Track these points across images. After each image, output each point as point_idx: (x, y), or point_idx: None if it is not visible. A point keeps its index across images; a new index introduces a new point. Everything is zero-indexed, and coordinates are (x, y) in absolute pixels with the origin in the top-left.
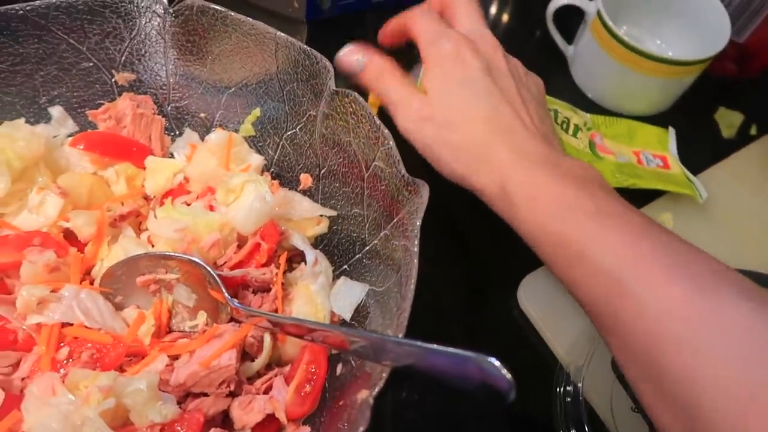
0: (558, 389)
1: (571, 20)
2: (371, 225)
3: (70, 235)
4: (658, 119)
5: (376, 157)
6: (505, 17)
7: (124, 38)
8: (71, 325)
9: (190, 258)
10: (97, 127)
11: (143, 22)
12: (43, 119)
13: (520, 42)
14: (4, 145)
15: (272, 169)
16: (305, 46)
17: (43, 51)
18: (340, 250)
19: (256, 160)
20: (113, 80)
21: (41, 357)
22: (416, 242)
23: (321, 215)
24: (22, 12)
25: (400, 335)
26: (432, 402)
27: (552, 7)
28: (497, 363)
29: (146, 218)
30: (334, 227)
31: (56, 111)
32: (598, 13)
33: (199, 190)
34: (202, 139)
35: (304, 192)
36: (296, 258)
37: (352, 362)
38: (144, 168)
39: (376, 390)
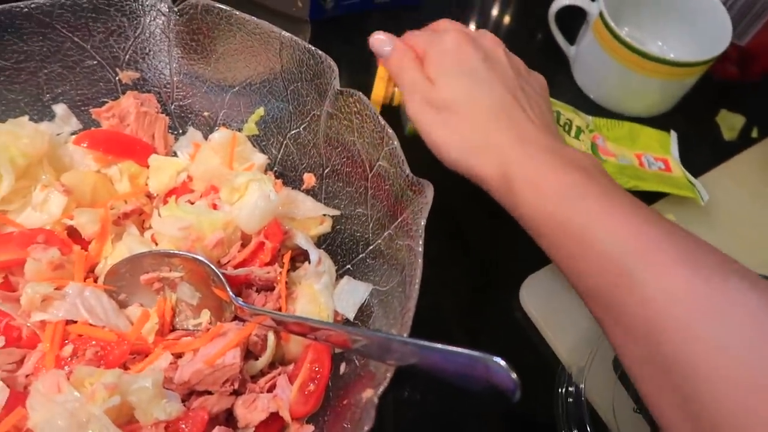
0: (560, 390)
1: (573, 21)
2: (375, 225)
3: (73, 233)
4: (659, 121)
5: (380, 156)
6: (506, 19)
7: (129, 36)
8: (75, 322)
9: (194, 256)
10: (100, 125)
11: (148, 21)
12: (47, 117)
13: (522, 43)
14: (8, 142)
15: (275, 169)
16: (310, 46)
17: (48, 49)
18: (344, 250)
19: (260, 159)
20: (117, 78)
21: (46, 354)
22: (420, 242)
23: (324, 215)
24: (26, 10)
25: (405, 335)
26: (433, 401)
27: (554, 8)
28: (503, 363)
29: (150, 216)
30: (338, 227)
31: (60, 109)
32: (601, 14)
33: (202, 188)
34: (206, 137)
35: (307, 191)
36: (299, 257)
37: (356, 361)
38: (147, 166)
39: (381, 389)
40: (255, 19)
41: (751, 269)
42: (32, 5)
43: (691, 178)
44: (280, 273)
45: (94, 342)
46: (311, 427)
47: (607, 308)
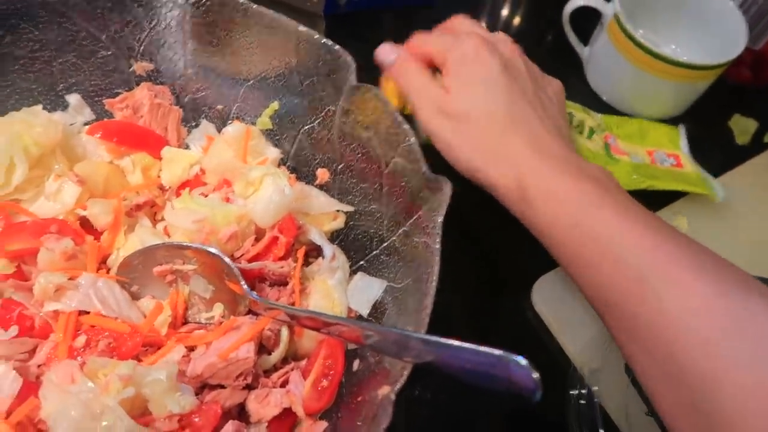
0: (571, 391)
1: (586, 22)
2: (390, 221)
3: (86, 224)
4: (672, 123)
5: (397, 153)
6: (517, 19)
7: (144, 27)
8: (88, 313)
9: (208, 249)
10: (113, 116)
11: (164, 12)
12: (60, 107)
13: (532, 44)
14: (21, 131)
15: (289, 163)
16: (327, 41)
17: (63, 38)
18: (357, 246)
19: (273, 153)
20: (131, 69)
21: (58, 344)
22: (438, 240)
23: (338, 210)
24: None
25: (422, 332)
26: (445, 400)
27: (569, 8)
28: (525, 362)
29: (162, 209)
30: (351, 223)
31: (73, 99)
32: (615, 16)
33: (215, 182)
34: (219, 131)
35: (320, 187)
36: (312, 252)
37: (370, 358)
38: (160, 158)
39: (398, 386)
40: (272, 12)
41: None
42: None
43: (706, 174)
44: (294, 268)
45: (107, 333)
46: (324, 424)
47: (622, 319)
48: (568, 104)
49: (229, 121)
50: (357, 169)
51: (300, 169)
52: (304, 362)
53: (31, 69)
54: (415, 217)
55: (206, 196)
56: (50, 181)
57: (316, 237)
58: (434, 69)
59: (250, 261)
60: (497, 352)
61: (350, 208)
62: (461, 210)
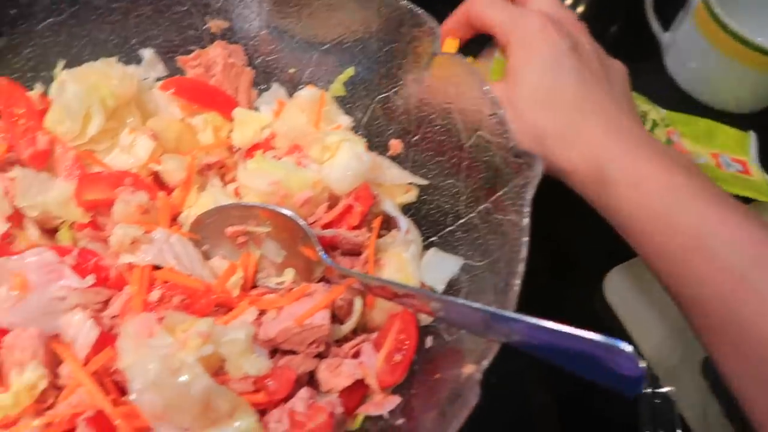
0: (644, 390)
1: (667, 7)
2: (468, 197)
3: (156, 180)
4: (747, 120)
5: (482, 126)
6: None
7: None
8: (159, 268)
9: (285, 212)
10: (184, 74)
11: None
12: (134, 61)
13: (600, 28)
14: (99, 82)
15: (360, 132)
16: (413, 6)
17: None
18: (429, 221)
19: (344, 121)
20: (205, 27)
21: (133, 297)
22: (526, 218)
23: (410, 183)
24: None
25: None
26: (507, 391)
27: None
28: (630, 350)
29: (231, 170)
30: (423, 197)
31: (147, 53)
32: (704, 1)
33: (285, 146)
34: (290, 95)
35: (392, 158)
36: (383, 224)
37: (445, 336)
38: (230, 119)
39: (484, 365)
40: None
41: None
42: None
43: None
44: (369, 238)
45: (180, 290)
46: (397, 399)
47: (713, 318)
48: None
49: (301, 86)
50: (434, 142)
51: (371, 139)
52: (374, 335)
53: (108, 20)
54: (499, 194)
55: (279, 159)
56: (125, 134)
57: (390, 208)
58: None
59: (323, 228)
60: (599, 337)
61: (424, 182)
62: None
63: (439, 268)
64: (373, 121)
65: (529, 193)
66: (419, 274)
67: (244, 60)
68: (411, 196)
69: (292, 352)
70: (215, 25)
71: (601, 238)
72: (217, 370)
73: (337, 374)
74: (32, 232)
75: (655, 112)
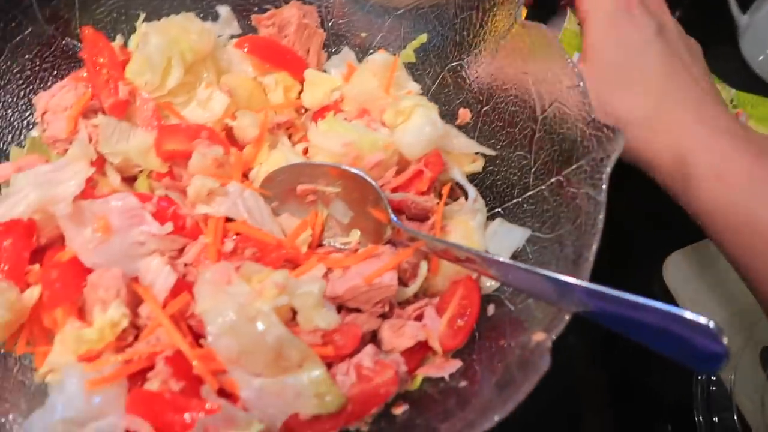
0: (700, 376)
1: None
2: (539, 169)
3: (228, 135)
4: None
5: (560, 97)
6: None
7: None
8: (231, 221)
9: (358, 172)
10: (257, 32)
11: None
12: (210, 17)
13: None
14: (179, 36)
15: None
16: None
17: None
18: (494, 193)
19: (414, 87)
20: None
21: (207, 246)
22: (603, 191)
23: (477, 153)
24: None
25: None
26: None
27: None
28: (712, 325)
29: (299, 130)
30: (489, 168)
31: (224, 10)
32: None
33: (353, 109)
34: (359, 60)
35: (459, 127)
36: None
37: (507, 304)
38: (300, 80)
39: (555, 334)
40: None
41: None
42: None
43: None
44: (437, 204)
45: (251, 243)
46: (458, 362)
47: None
48: None
49: (371, 51)
50: (506, 112)
51: (440, 107)
52: (435, 300)
53: None
54: (574, 167)
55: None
56: (201, 89)
57: (458, 176)
58: None
59: (392, 192)
60: (681, 311)
61: (492, 152)
62: None
63: (505, 238)
64: (441, 90)
65: (609, 168)
66: (484, 243)
67: (317, 21)
68: (477, 166)
69: (357, 311)
70: None
71: (660, 221)
72: (287, 321)
73: (399, 335)
74: (114, 179)
75: (725, 92)
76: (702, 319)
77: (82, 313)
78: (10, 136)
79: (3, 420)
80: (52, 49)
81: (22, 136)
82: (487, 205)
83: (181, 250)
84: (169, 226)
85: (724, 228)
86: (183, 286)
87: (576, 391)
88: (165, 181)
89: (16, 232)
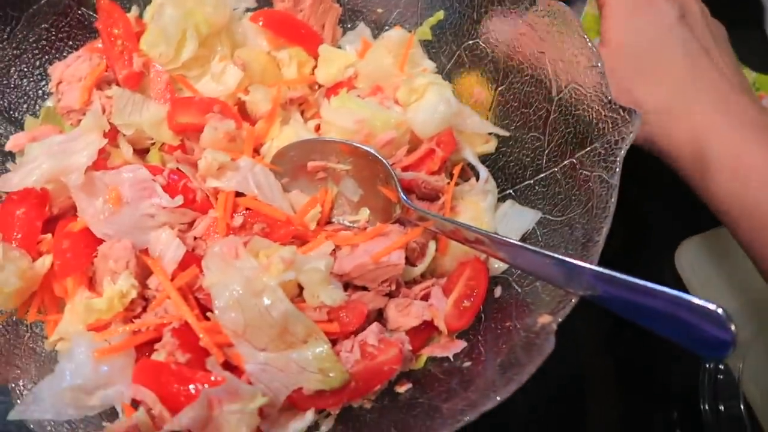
0: (708, 364)
1: None
2: (552, 151)
3: (240, 110)
4: None
5: (577, 78)
6: None
7: None
8: (241, 195)
9: (370, 149)
10: (273, 6)
11: None
12: None
13: None
14: (194, 8)
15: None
16: None
17: None
18: (506, 174)
19: (428, 65)
20: None
21: (217, 220)
22: (616, 174)
23: (490, 134)
24: None
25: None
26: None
27: None
28: (721, 311)
29: (311, 107)
30: (502, 149)
31: None
32: None
33: (367, 86)
34: (374, 36)
35: (473, 107)
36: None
37: (515, 287)
38: (315, 56)
39: (560, 317)
40: None
41: None
42: None
43: None
44: (448, 184)
45: (261, 217)
46: (463, 343)
47: None
48: None
49: (386, 28)
50: (521, 93)
51: (454, 86)
52: (443, 280)
53: None
54: (588, 149)
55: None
56: (215, 62)
57: (470, 157)
58: None
59: (402, 171)
60: (688, 296)
61: (505, 133)
62: None
63: (516, 220)
64: (457, 68)
65: (623, 150)
66: (494, 225)
67: None
68: (490, 146)
69: (364, 289)
70: None
71: (673, 208)
72: (293, 297)
73: (405, 314)
74: (126, 150)
75: (747, 75)
76: (710, 305)
77: (92, 283)
78: (25, 105)
79: (14, 385)
80: (68, 18)
81: (37, 106)
82: (498, 187)
83: (191, 224)
84: (179, 199)
85: (741, 220)
86: (192, 259)
87: (582, 378)
88: (176, 155)
89: (29, 201)
